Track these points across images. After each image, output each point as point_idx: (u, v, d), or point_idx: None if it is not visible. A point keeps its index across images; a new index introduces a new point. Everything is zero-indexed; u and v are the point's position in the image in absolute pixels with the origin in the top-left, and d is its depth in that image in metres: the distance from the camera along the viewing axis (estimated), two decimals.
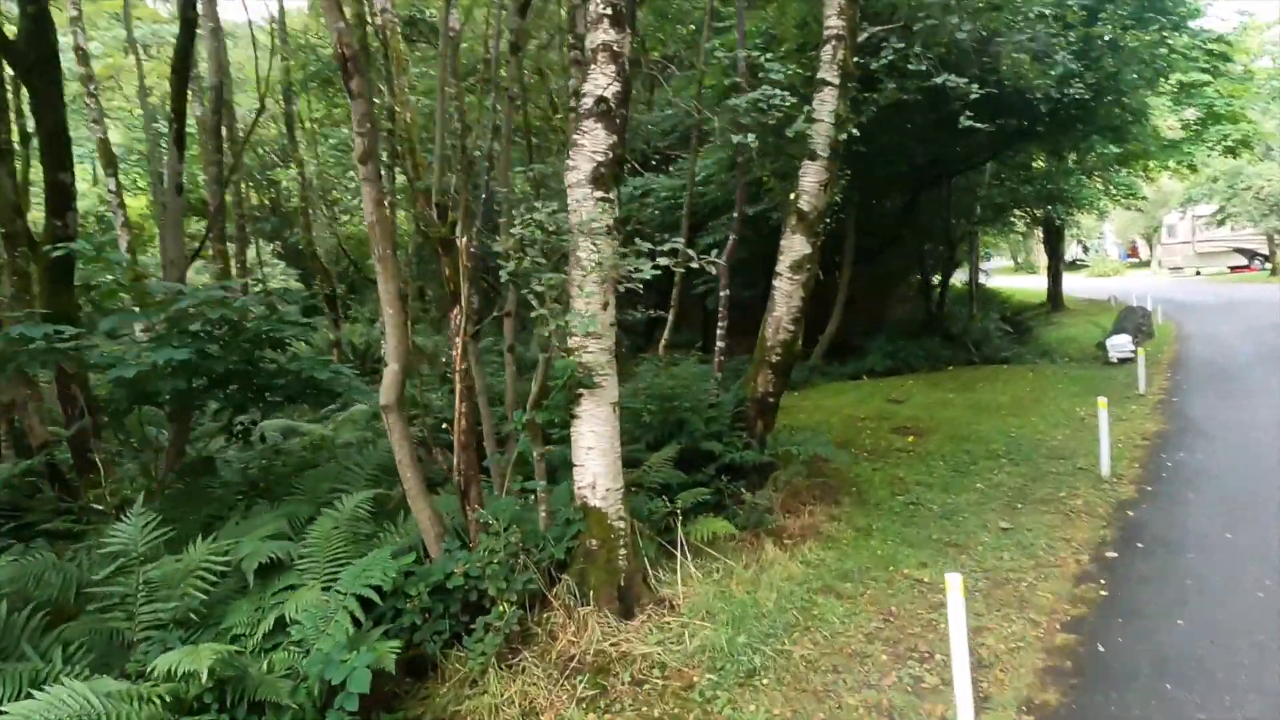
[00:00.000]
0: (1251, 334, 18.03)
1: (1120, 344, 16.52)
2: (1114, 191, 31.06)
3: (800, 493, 6.67)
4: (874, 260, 20.49)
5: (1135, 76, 12.27)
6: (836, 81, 6.48)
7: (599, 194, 4.52)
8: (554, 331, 4.40)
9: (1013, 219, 30.64)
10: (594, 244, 4.47)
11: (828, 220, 16.52)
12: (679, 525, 5.39)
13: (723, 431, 6.77)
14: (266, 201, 23.63)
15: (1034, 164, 22.61)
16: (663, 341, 8.58)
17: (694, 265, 4.64)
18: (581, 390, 4.58)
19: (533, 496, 4.93)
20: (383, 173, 5.73)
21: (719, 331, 8.07)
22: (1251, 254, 38.01)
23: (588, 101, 4.53)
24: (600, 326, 4.59)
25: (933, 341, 16.29)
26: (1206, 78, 26.40)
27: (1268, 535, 5.85)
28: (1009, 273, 59.16)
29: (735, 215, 8.43)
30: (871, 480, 7.59)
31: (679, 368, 7.71)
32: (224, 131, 12.65)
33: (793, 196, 6.63)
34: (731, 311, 8.75)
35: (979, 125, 7.48)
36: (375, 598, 3.95)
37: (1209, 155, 30.81)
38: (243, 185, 17.47)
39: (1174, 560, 5.54)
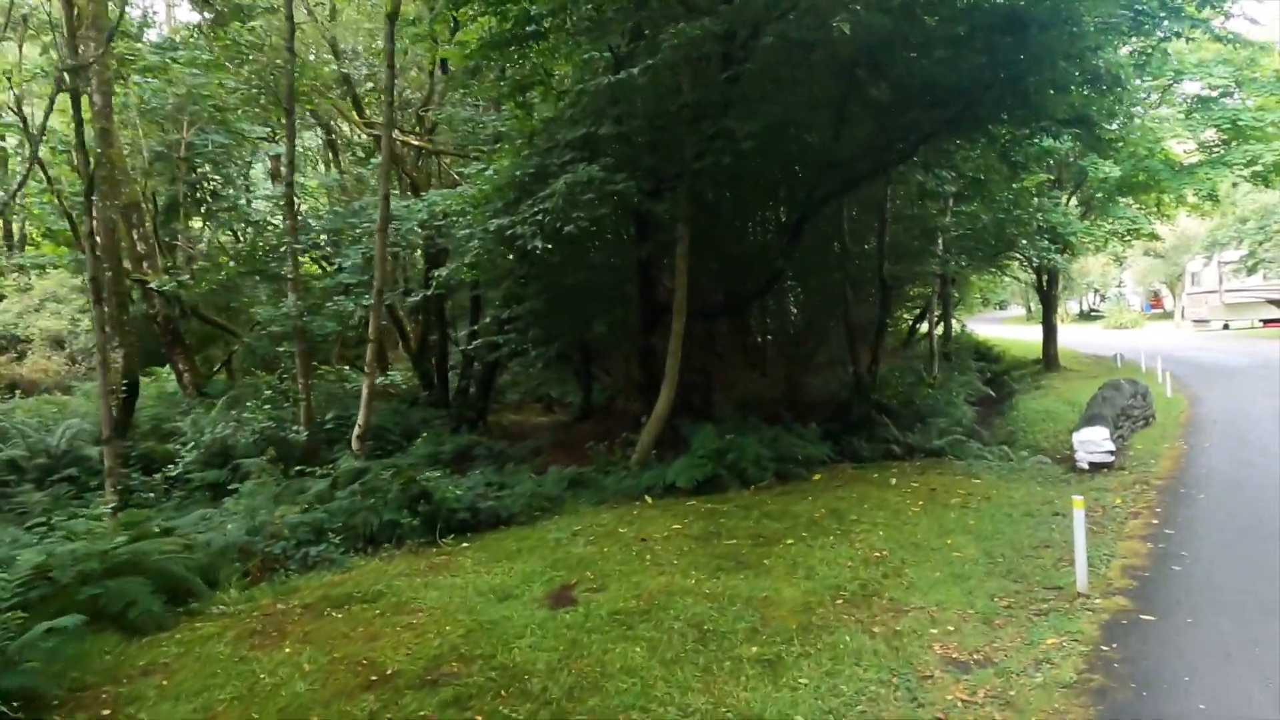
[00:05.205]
0: None
1: (1093, 442, 10.72)
2: (1116, 227, 25.33)
3: None
4: (747, 310, 14.80)
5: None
6: None
7: None
8: None
9: (1006, 260, 24.98)
10: None
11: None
12: None
13: None
14: None
15: (1015, 184, 17.06)
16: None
17: None
18: None
19: None
20: None
21: None
22: None
23: None
24: None
25: (791, 436, 10.48)
26: (1225, 82, 20.83)
27: None
28: (1019, 323, 53.16)
29: None
30: None
31: None
32: None
33: None
34: None
35: None
36: None
37: (1234, 185, 24.97)
38: None
39: None
